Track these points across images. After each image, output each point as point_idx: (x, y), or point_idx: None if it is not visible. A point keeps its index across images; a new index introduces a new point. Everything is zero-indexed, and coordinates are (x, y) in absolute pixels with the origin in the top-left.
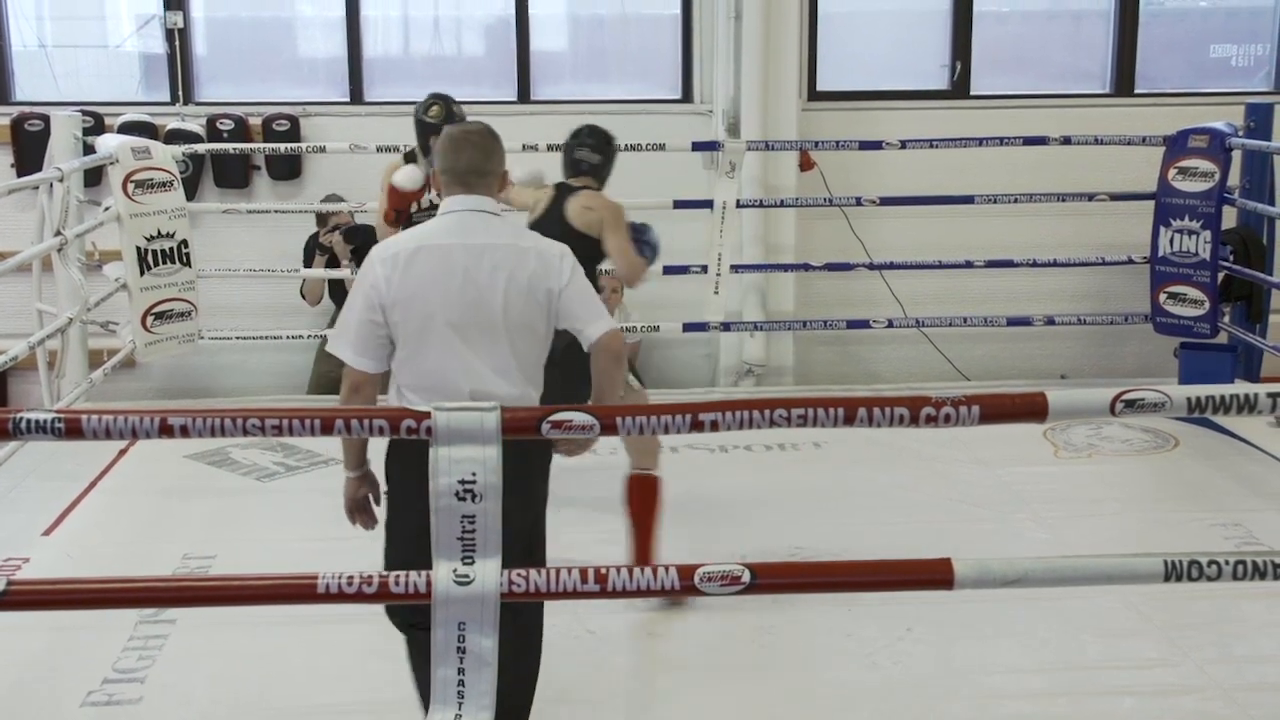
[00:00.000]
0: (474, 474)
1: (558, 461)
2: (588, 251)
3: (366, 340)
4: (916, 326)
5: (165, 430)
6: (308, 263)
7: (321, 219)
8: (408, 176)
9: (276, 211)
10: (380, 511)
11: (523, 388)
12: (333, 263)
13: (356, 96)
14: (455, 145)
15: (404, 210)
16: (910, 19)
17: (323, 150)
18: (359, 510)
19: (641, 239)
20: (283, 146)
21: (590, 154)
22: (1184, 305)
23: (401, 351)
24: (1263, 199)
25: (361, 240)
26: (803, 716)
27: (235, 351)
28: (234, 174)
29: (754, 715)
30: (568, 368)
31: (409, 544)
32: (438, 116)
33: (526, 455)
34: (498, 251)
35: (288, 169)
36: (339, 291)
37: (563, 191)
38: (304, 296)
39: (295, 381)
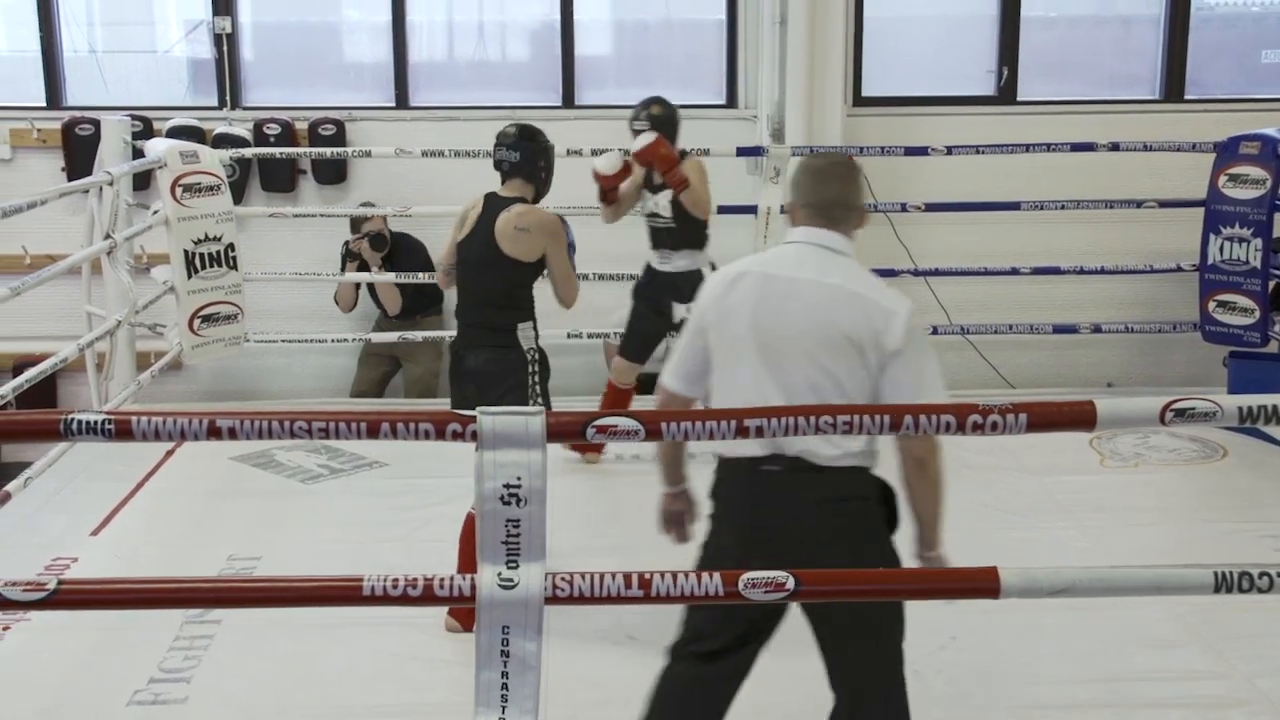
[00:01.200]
0: (519, 478)
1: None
2: (520, 278)
3: (685, 360)
4: (962, 334)
5: (214, 432)
6: (342, 269)
7: (355, 225)
8: (606, 162)
9: (322, 215)
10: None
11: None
12: (363, 269)
13: (402, 101)
14: (820, 177)
15: (610, 191)
16: (956, 24)
17: (368, 155)
18: (672, 524)
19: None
20: (328, 151)
21: (507, 152)
22: (1233, 314)
23: (713, 376)
24: None
25: (389, 247)
26: None
27: (280, 354)
28: (280, 178)
29: None
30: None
31: (709, 564)
32: (660, 115)
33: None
34: (821, 290)
35: (333, 173)
36: (373, 297)
37: (491, 205)
38: (337, 303)
39: (339, 384)
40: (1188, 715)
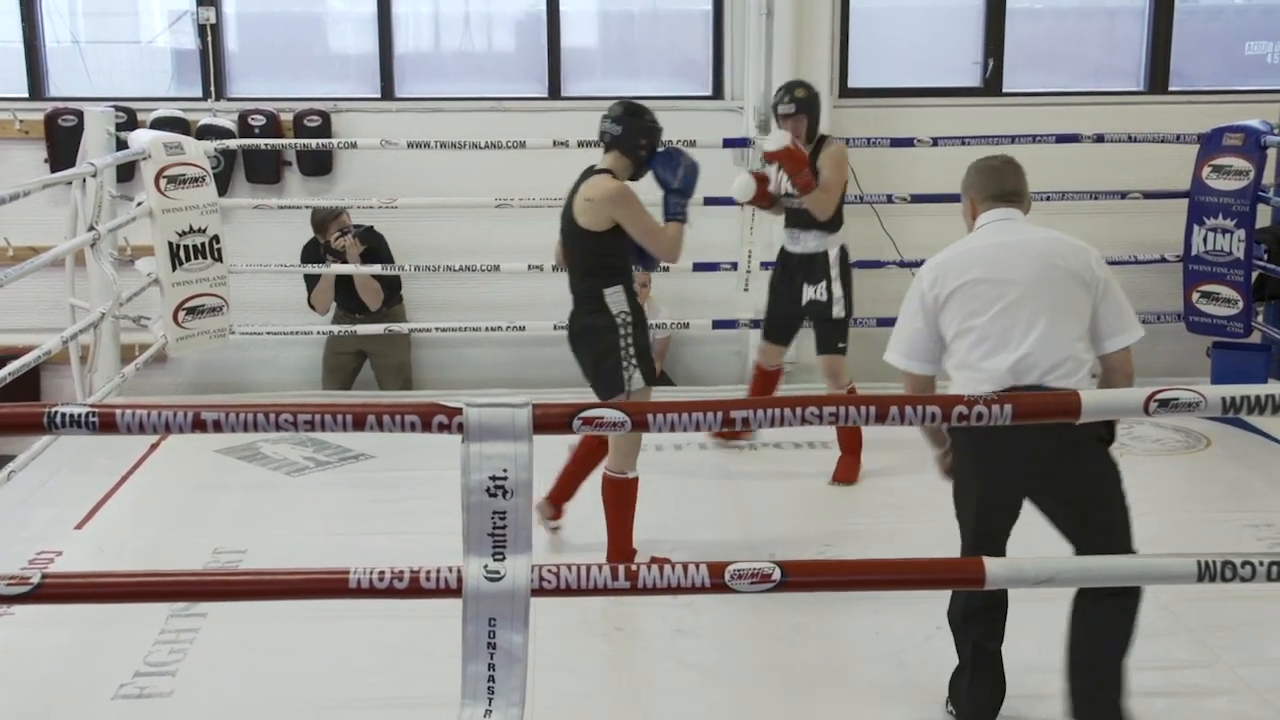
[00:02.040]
0: (505, 470)
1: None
2: (597, 248)
3: (915, 344)
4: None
5: (199, 425)
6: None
7: (319, 226)
8: (740, 189)
9: (307, 207)
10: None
11: (1069, 350)
12: (342, 265)
13: (388, 92)
14: (998, 174)
15: (765, 196)
16: (942, 15)
17: (354, 146)
18: (947, 473)
19: (670, 189)
20: (314, 142)
21: (611, 125)
22: (1217, 304)
23: (956, 344)
24: None
25: (375, 242)
26: (830, 715)
27: (266, 347)
28: (265, 169)
29: (780, 714)
30: (585, 350)
31: (969, 517)
32: (805, 98)
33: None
34: (1037, 242)
35: (319, 164)
36: (347, 294)
37: (581, 178)
38: (313, 306)
39: (319, 377)
40: (1172, 704)
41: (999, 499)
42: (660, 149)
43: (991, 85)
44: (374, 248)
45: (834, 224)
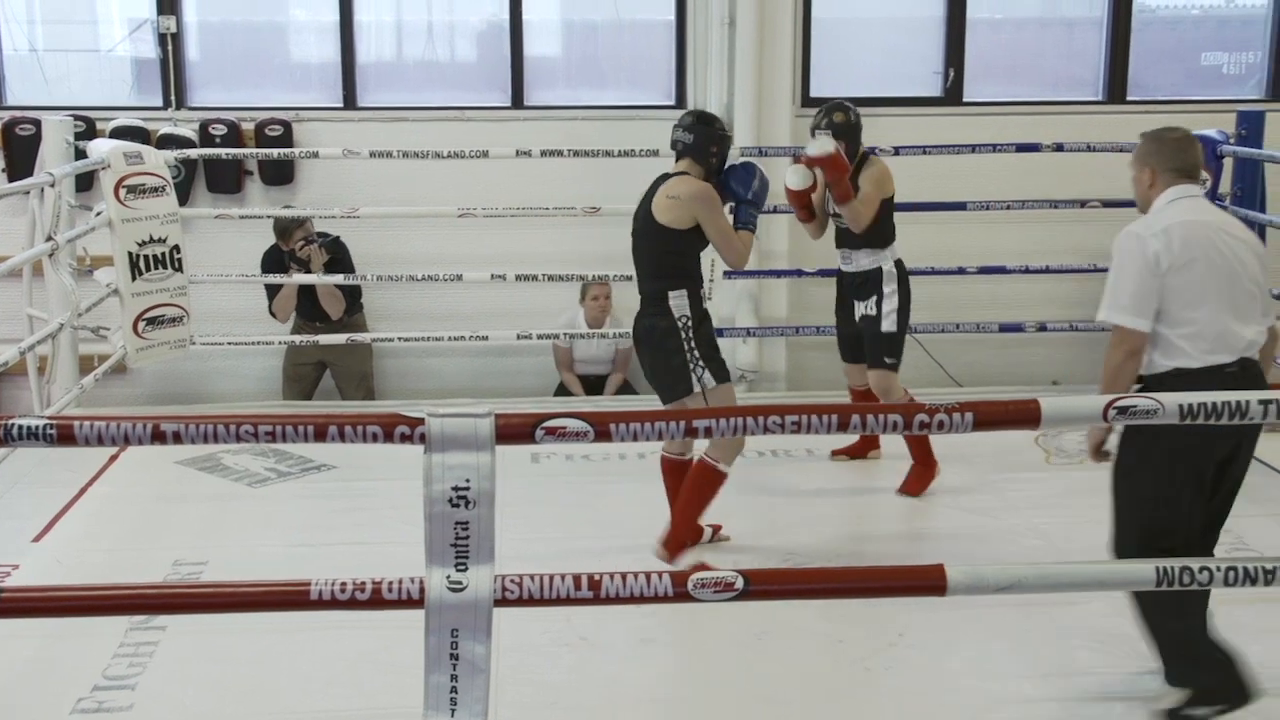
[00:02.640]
0: (467, 480)
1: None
2: (675, 246)
3: (1142, 305)
4: (910, 332)
5: (158, 436)
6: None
7: (283, 233)
8: (796, 178)
9: (269, 217)
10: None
11: (1261, 325)
12: (306, 274)
13: (350, 102)
14: (1183, 147)
15: (808, 207)
16: (903, 25)
17: (316, 156)
18: (1098, 448)
19: (742, 200)
20: (275, 152)
21: (683, 134)
22: None
23: (1176, 311)
24: (1254, 206)
25: (339, 251)
26: None
27: (227, 357)
28: (226, 179)
29: None
30: (648, 351)
31: (1151, 505)
32: (842, 123)
33: None
34: (1231, 224)
35: (281, 174)
36: (308, 303)
37: (657, 182)
38: (274, 314)
39: (279, 388)
40: (1131, 708)
41: (1196, 480)
42: (734, 161)
43: (952, 95)
44: (337, 257)
45: (884, 239)
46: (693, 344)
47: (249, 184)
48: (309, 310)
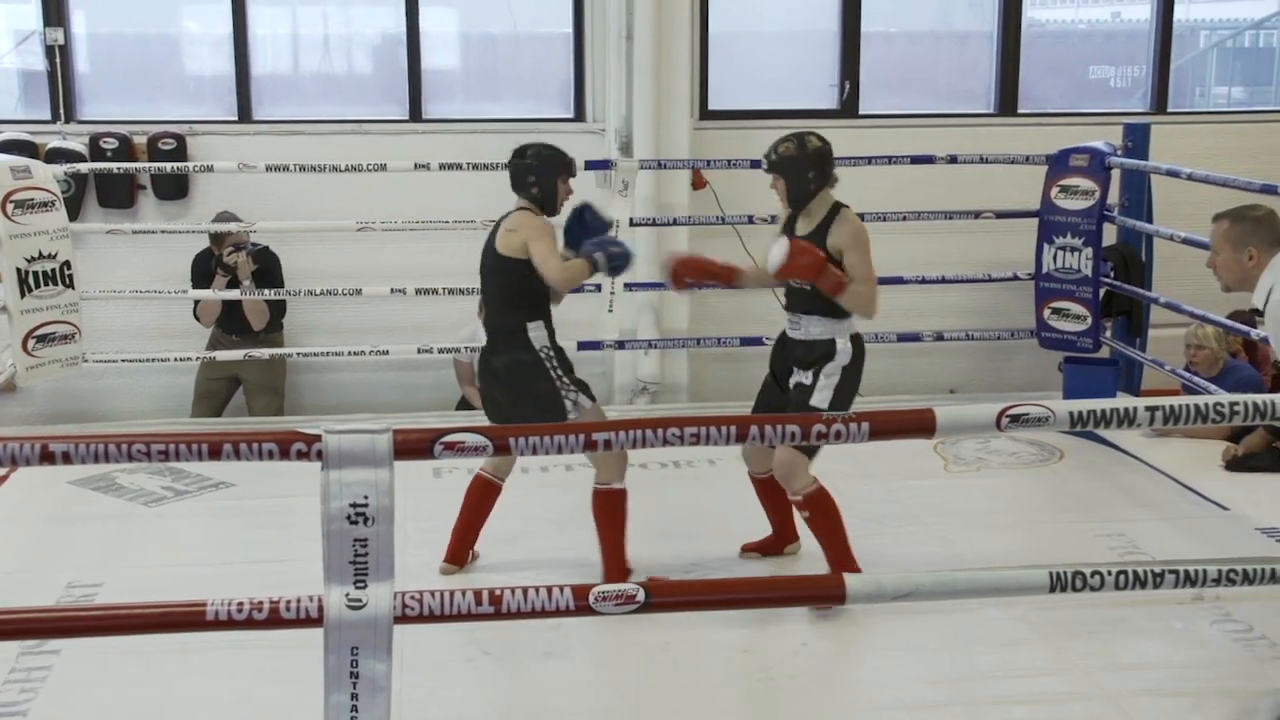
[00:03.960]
0: (365, 497)
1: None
2: (518, 274)
3: None
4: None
5: (47, 457)
6: (199, 280)
7: (216, 238)
8: (779, 254)
9: (163, 232)
10: None
11: None
12: (233, 282)
13: (245, 115)
14: (1273, 220)
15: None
16: (800, 39)
17: (210, 169)
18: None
19: (595, 245)
20: (169, 166)
21: (513, 172)
22: (1068, 320)
23: None
24: (1141, 217)
25: (269, 263)
26: None
27: (121, 374)
28: (118, 194)
29: None
30: (511, 385)
31: None
32: (785, 158)
33: None
34: None
35: (174, 188)
36: (233, 314)
37: (500, 221)
38: (198, 318)
39: (182, 404)
40: (1032, 711)
41: None
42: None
43: (848, 107)
44: (267, 268)
45: (824, 308)
46: (559, 372)
47: (142, 199)
48: (229, 322)
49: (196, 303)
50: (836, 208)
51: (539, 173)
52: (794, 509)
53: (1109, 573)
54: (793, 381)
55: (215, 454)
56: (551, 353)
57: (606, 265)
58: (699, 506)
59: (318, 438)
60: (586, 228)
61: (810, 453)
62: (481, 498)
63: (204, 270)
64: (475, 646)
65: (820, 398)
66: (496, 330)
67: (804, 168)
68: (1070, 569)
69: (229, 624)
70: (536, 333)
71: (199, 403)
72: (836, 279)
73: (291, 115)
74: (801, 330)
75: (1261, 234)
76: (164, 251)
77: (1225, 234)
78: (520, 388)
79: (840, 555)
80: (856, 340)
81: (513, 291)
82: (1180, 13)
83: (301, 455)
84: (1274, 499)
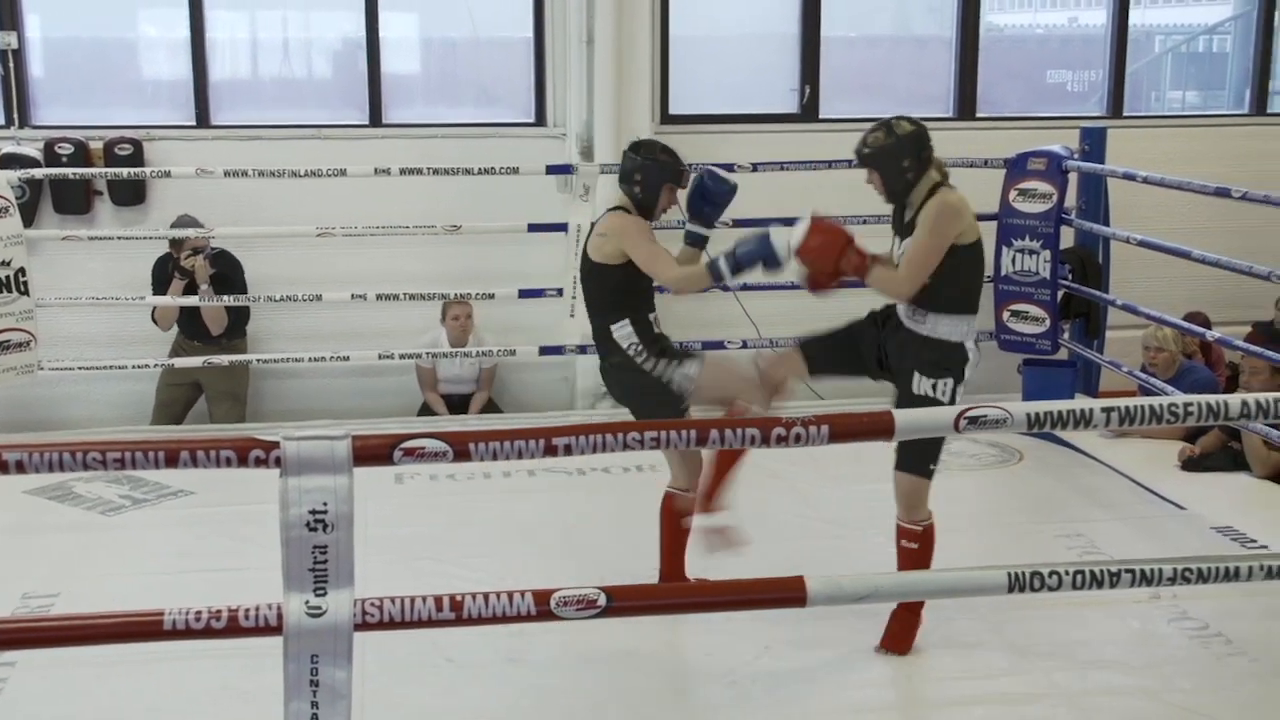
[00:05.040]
0: (325, 504)
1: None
2: (612, 282)
3: None
4: (771, 347)
5: (0, 466)
6: (160, 285)
7: (175, 242)
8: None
9: (120, 238)
10: None
11: None
12: (190, 286)
13: (203, 120)
14: None
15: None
16: (760, 43)
17: (168, 175)
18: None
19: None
20: (125, 171)
21: (624, 164)
22: (1026, 323)
23: None
24: (1098, 219)
25: (226, 266)
26: None
27: (77, 382)
28: (74, 200)
29: None
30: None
31: None
32: (874, 150)
33: None
34: None
35: (131, 194)
36: (193, 319)
37: (594, 224)
38: (155, 321)
39: (141, 411)
40: (990, 711)
41: None
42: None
43: (809, 112)
44: (224, 273)
45: (963, 302)
46: (650, 360)
47: (98, 204)
48: (190, 327)
49: (154, 307)
50: (934, 189)
51: (646, 173)
52: (901, 538)
53: (1066, 573)
54: (919, 388)
55: (172, 461)
56: (640, 345)
57: (731, 274)
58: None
59: (276, 444)
60: (707, 197)
61: (931, 475)
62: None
63: (164, 275)
64: (438, 653)
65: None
66: (594, 334)
67: (897, 156)
68: (1028, 569)
69: (187, 633)
70: (621, 331)
71: (159, 410)
72: (857, 261)
73: (250, 120)
74: (928, 326)
75: None
76: (121, 258)
77: None
78: (627, 389)
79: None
80: (965, 350)
81: (605, 295)
82: (1136, 18)
83: (260, 462)
84: (1229, 498)
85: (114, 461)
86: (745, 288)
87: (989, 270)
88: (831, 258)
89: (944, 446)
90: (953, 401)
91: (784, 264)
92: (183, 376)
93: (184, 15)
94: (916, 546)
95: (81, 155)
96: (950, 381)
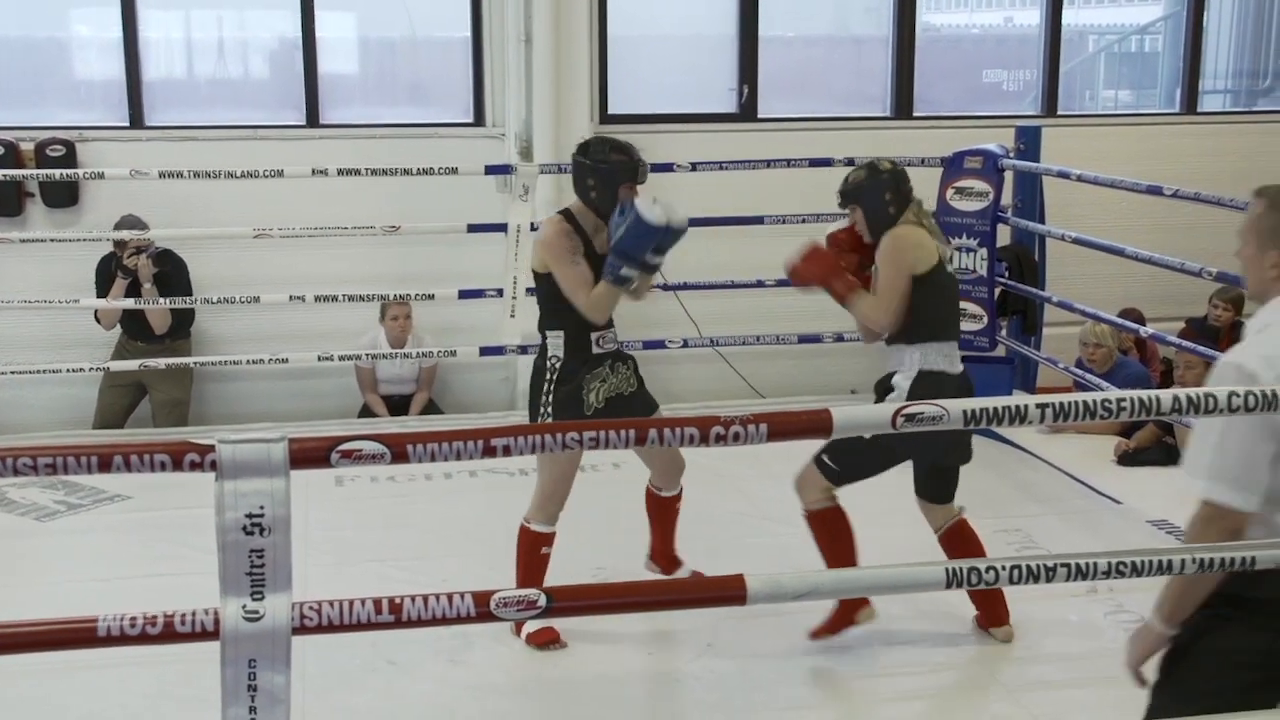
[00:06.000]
0: (261, 507)
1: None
2: (545, 289)
3: (1255, 472)
4: (711, 346)
5: None
6: (103, 284)
7: (119, 242)
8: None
9: (53, 240)
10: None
11: None
12: (134, 286)
13: (136, 120)
14: None
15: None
16: (698, 43)
17: (101, 176)
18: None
19: (620, 249)
20: (57, 172)
21: (574, 170)
22: (964, 320)
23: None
24: (1033, 217)
25: (170, 266)
26: None
27: (12, 387)
28: (6, 202)
29: None
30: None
31: None
32: (855, 182)
33: None
34: None
35: (65, 196)
36: (134, 318)
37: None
38: (98, 320)
39: (79, 416)
40: (930, 704)
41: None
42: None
43: (747, 111)
44: (167, 273)
45: (906, 331)
46: (550, 386)
47: (30, 206)
48: (132, 326)
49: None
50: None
51: (599, 176)
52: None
53: (1003, 567)
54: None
55: (105, 466)
56: (559, 362)
57: (628, 268)
58: (603, 509)
59: (211, 448)
60: (622, 216)
61: (830, 472)
62: (656, 508)
63: (108, 274)
64: (379, 655)
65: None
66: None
67: (880, 192)
68: (965, 565)
69: (122, 639)
70: (554, 340)
71: (101, 413)
72: (842, 289)
73: (185, 121)
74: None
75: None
76: (55, 260)
77: (1256, 222)
78: (530, 389)
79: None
80: (926, 381)
81: (543, 300)
82: (1069, 18)
83: (195, 466)
84: (1164, 492)
85: (46, 467)
86: (685, 286)
87: None
88: (817, 279)
89: (866, 471)
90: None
91: (665, 227)
92: (126, 378)
93: (116, 14)
94: (812, 533)
95: (12, 156)
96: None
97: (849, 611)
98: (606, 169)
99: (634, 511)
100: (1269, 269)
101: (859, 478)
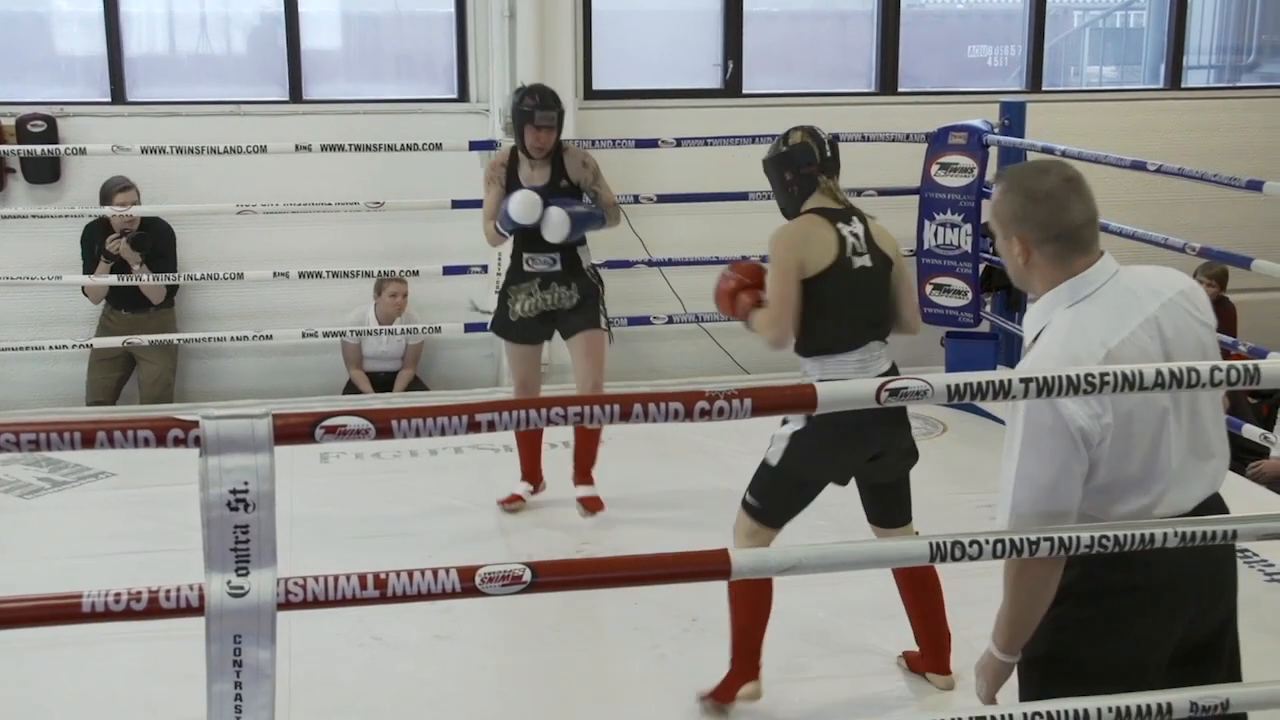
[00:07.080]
0: (246, 483)
1: None
2: None
3: (1070, 493)
4: (696, 321)
5: None
6: (88, 254)
7: (104, 197)
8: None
9: (34, 216)
10: None
11: (1221, 457)
12: (119, 265)
13: (118, 96)
14: (1061, 199)
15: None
16: (683, 18)
17: (83, 152)
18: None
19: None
20: (39, 148)
21: None
22: (949, 296)
23: (1104, 477)
24: None
25: (150, 247)
26: (591, 710)
27: None
28: None
29: (543, 713)
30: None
31: None
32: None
33: None
34: (1168, 311)
35: (46, 172)
36: (119, 290)
37: None
38: (86, 294)
39: (66, 393)
40: (914, 681)
41: None
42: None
43: (731, 87)
44: (152, 244)
45: (803, 343)
46: (501, 284)
47: (11, 182)
48: (116, 295)
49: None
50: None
51: (512, 118)
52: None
53: (987, 542)
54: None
55: (88, 442)
56: (501, 274)
57: (505, 231)
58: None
59: (195, 424)
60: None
61: (754, 510)
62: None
63: (90, 243)
64: (365, 631)
65: (772, 451)
66: None
67: (779, 171)
68: (949, 539)
69: (106, 615)
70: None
71: (93, 388)
72: (741, 314)
73: (167, 96)
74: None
75: (1036, 217)
76: (36, 237)
77: (996, 207)
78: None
79: (739, 650)
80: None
81: None
82: None
83: (179, 442)
84: None
85: (29, 443)
86: (670, 262)
87: (913, 244)
88: (724, 307)
89: (788, 503)
90: (782, 458)
91: (510, 219)
92: (114, 350)
93: None
94: (729, 597)
95: None
96: (787, 431)
97: (735, 682)
98: (514, 112)
99: (617, 490)
100: (1017, 256)
101: (787, 513)
